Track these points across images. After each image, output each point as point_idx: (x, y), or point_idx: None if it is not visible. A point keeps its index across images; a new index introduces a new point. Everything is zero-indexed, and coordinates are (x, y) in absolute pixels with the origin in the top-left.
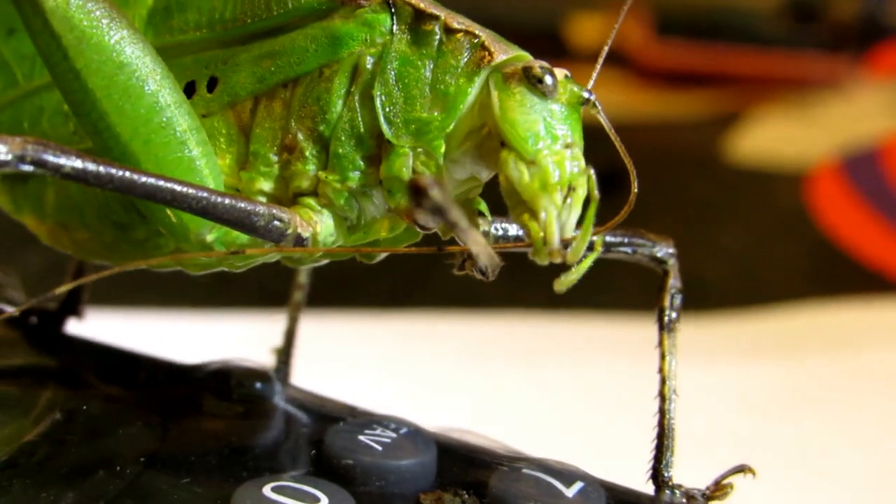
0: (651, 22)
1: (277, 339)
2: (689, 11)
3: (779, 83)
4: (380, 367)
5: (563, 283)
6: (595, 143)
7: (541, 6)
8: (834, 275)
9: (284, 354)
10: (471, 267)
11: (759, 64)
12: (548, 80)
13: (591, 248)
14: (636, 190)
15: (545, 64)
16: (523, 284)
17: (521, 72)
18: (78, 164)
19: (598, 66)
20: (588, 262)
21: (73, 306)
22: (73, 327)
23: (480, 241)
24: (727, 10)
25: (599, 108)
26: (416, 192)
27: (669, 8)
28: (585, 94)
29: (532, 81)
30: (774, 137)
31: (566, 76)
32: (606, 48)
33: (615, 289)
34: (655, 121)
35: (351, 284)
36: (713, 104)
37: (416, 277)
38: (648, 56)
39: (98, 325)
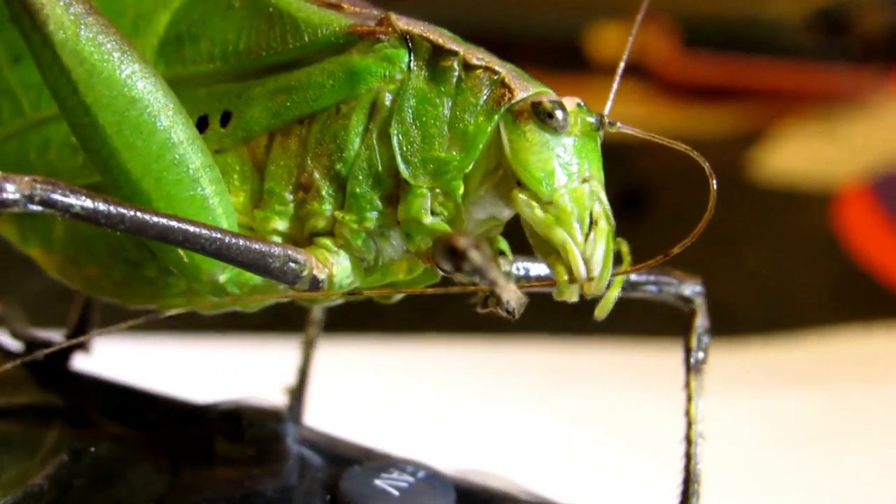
0: (675, 34)
1: (290, 370)
2: (715, 23)
3: (806, 98)
4: (396, 399)
5: (603, 308)
6: (615, 162)
7: (558, 17)
8: (863, 300)
9: (297, 393)
10: (494, 304)
11: (786, 77)
12: (558, 114)
13: (619, 258)
14: (713, 208)
15: (554, 97)
16: (545, 310)
17: (529, 108)
18: (88, 204)
19: (616, 84)
20: (619, 284)
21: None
22: (80, 362)
23: (511, 287)
24: (754, 21)
25: (619, 125)
26: (454, 254)
27: (694, 19)
28: (598, 122)
29: (542, 117)
30: (801, 155)
31: (578, 105)
32: (623, 64)
33: (640, 314)
34: (679, 137)
35: (364, 310)
36: (738, 120)
37: (432, 303)
38: (672, 69)
39: (105, 354)
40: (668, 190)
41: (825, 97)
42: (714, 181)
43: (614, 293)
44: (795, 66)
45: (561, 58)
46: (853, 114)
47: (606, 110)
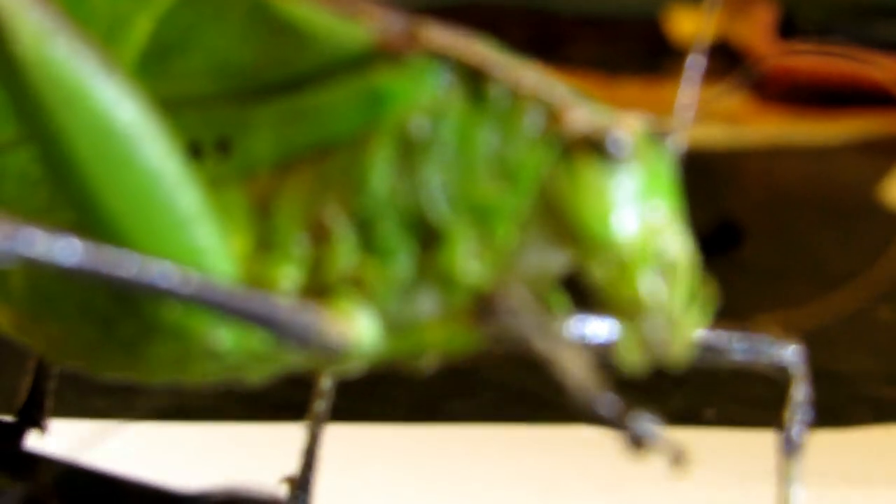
0: (779, 17)
1: (293, 453)
2: (828, 5)
3: None
4: (419, 491)
5: (679, 360)
6: (702, 187)
7: None
8: None
9: (302, 481)
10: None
11: None
12: (617, 143)
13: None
14: None
15: (612, 122)
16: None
17: (582, 139)
18: (72, 250)
19: (693, 83)
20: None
21: (33, 416)
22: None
23: (574, 363)
24: (871, 4)
25: (687, 120)
26: (493, 309)
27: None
28: (670, 147)
29: (598, 149)
30: None
31: (643, 126)
32: (703, 56)
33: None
34: (785, 151)
35: (382, 380)
36: (863, 129)
37: (455, 379)
38: (775, 62)
39: (65, 433)
40: (768, 219)
41: None
42: None
43: (693, 340)
44: None
45: (637, 44)
46: None
47: (685, 123)
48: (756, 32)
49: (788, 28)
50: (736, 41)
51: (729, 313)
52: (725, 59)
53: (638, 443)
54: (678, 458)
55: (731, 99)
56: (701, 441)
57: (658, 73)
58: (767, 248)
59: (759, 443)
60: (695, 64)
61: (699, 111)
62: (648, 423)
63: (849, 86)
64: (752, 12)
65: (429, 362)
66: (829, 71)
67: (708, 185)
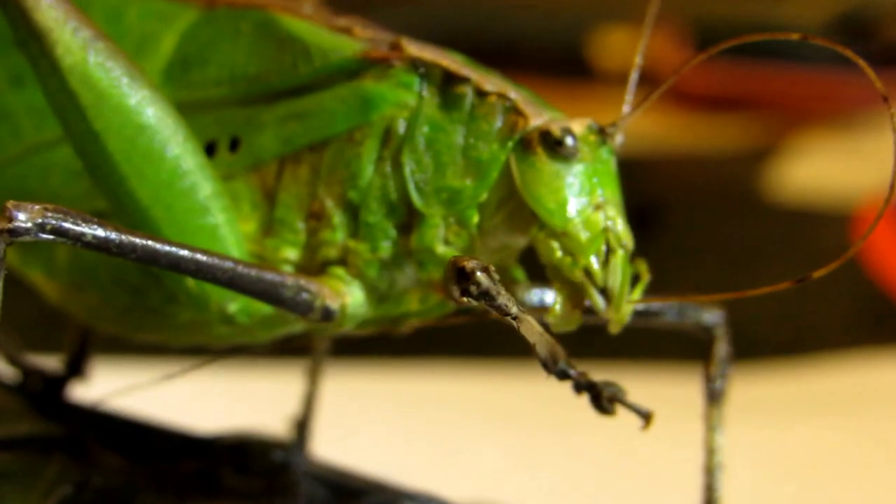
0: (686, 40)
1: (294, 399)
2: (728, 27)
3: (825, 108)
4: (406, 428)
5: (617, 323)
6: (622, 179)
7: (557, 19)
8: (886, 325)
9: (303, 423)
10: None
11: (804, 86)
12: (567, 141)
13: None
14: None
15: (564, 123)
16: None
17: (538, 137)
18: (100, 233)
19: (631, 93)
20: (638, 293)
21: (77, 368)
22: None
23: (535, 328)
24: (770, 25)
25: (622, 120)
26: (461, 276)
27: (706, 24)
28: (613, 144)
29: (551, 146)
30: (820, 170)
31: (589, 127)
32: (636, 71)
33: (654, 339)
34: (690, 152)
35: (372, 335)
36: (753, 132)
37: (444, 329)
38: (684, 78)
39: (102, 380)
40: (680, 208)
41: (846, 108)
42: None
43: (630, 307)
44: (814, 75)
45: (562, 66)
46: (876, 126)
47: (622, 122)
48: (669, 51)
49: (701, 48)
50: (651, 59)
51: (654, 282)
52: (644, 75)
53: (604, 406)
54: (645, 418)
55: (649, 109)
56: (632, 377)
57: (586, 87)
58: (675, 231)
59: (686, 379)
60: (626, 79)
61: (626, 119)
62: (616, 388)
63: (744, 94)
64: (666, 33)
65: (408, 326)
66: (729, 82)
67: (625, 180)
